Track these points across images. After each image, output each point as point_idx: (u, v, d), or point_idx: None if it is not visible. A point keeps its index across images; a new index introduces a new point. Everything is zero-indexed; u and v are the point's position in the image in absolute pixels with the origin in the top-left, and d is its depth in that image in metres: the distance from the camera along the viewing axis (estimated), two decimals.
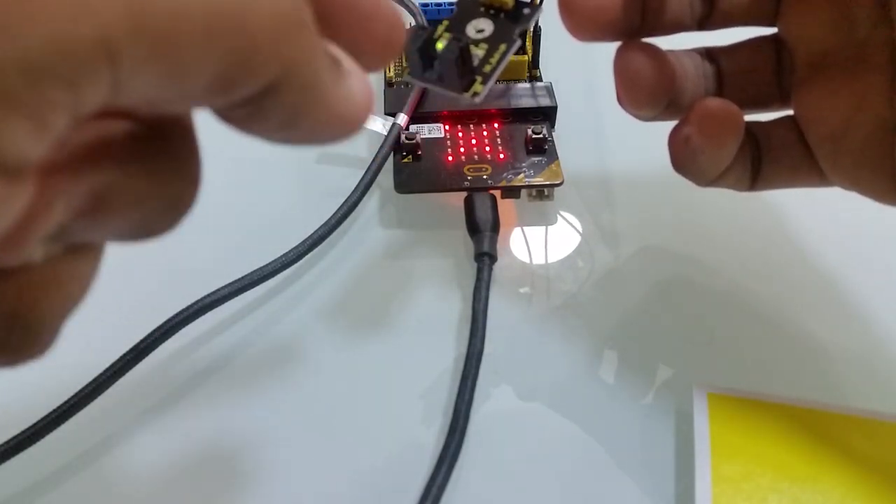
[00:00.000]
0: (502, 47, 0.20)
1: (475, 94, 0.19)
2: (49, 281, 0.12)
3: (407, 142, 0.29)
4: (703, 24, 0.23)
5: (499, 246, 0.27)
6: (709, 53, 0.24)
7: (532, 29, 0.31)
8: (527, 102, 0.31)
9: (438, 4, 0.34)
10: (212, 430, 0.24)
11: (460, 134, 0.30)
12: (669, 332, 0.26)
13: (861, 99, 0.21)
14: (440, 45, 0.20)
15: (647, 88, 0.22)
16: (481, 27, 0.20)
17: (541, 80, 0.32)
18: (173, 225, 0.13)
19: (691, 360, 0.25)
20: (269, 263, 0.26)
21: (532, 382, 0.25)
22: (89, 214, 0.11)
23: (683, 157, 0.23)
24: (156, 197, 0.12)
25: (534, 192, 0.29)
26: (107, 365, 0.23)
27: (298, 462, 0.23)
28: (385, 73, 0.33)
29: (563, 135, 0.31)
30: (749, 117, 0.23)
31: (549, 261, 0.28)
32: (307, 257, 0.27)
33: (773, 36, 0.24)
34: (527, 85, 0.32)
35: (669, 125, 0.23)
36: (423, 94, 0.31)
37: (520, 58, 0.32)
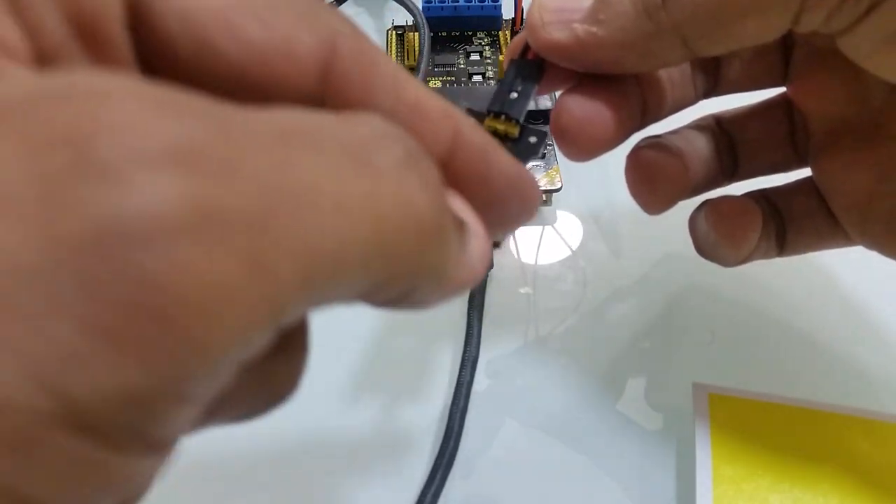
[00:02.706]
0: None
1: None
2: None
3: None
4: (709, 94, 0.22)
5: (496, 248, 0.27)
6: (719, 123, 0.23)
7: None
8: None
9: (442, 2, 0.34)
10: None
11: None
12: (670, 332, 0.26)
13: (883, 169, 0.20)
14: None
15: (662, 196, 0.22)
16: None
17: None
18: (272, 410, 0.12)
19: (692, 360, 0.25)
20: None
21: (529, 385, 0.25)
22: (201, 421, 0.11)
23: (704, 248, 0.23)
24: (266, 393, 0.12)
25: None
26: None
27: (287, 466, 0.23)
28: None
29: None
30: (769, 183, 0.23)
31: (548, 262, 0.28)
32: None
33: (783, 96, 0.23)
34: None
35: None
36: None
37: None
